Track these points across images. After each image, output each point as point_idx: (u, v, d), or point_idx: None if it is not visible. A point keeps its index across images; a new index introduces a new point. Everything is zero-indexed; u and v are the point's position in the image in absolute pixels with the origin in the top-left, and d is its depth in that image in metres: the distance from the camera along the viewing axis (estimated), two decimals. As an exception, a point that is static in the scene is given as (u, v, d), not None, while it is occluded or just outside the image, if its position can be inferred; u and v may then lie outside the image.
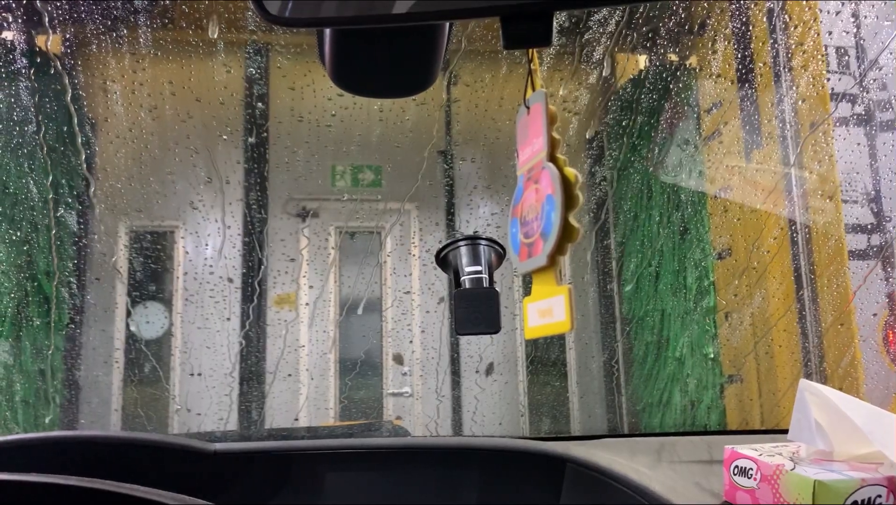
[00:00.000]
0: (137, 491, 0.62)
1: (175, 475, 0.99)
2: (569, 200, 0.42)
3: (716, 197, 3.25)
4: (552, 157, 0.44)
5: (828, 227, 2.62)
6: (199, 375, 3.41)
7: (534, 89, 0.47)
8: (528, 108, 0.47)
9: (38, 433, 0.99)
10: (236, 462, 1.01)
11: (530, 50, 0.46)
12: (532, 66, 0.47)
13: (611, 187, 3.70)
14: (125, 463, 0.98)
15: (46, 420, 3.17)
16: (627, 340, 3.67)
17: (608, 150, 3.72)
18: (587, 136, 3.75)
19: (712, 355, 3.27)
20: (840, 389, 0.70)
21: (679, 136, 3.36)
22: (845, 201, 2.57)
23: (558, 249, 0.42)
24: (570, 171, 0.42)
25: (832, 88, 2.62)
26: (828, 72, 2.63)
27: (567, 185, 0.42)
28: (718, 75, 3.17)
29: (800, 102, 2.77)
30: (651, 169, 3.48)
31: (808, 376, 2.61)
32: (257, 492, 1.01)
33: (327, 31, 0.56)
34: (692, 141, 3.32)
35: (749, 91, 2.98)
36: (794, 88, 2.79)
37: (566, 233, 0.42)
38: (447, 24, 0.56)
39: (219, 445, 1.02)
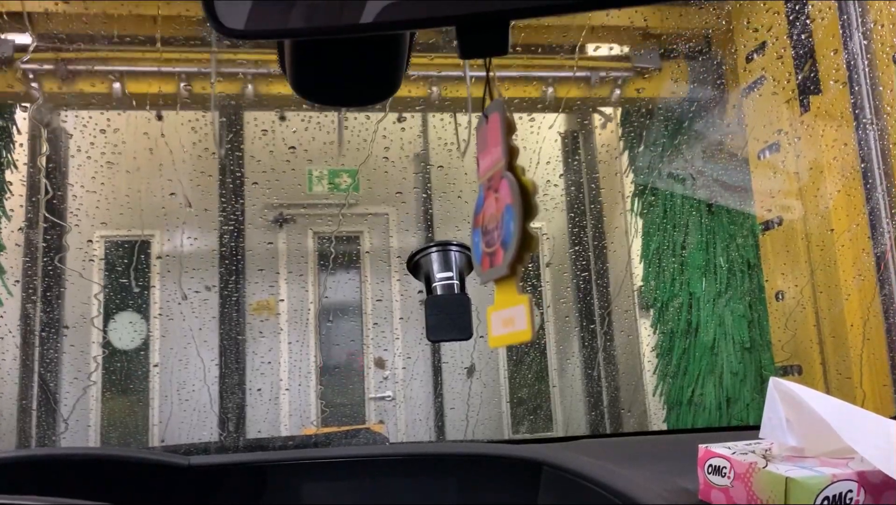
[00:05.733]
0: None
1: (151, 490, 0.98)
2: (527, 210, 0.42)
3: (760, 156, 2.83)
4: (511, 167, 0.44)
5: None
6: (173, 379, 3.38)
7: (492, 98, 0.47)
8: (486, 117, 0.47)
9: (12, 451, 0.98)
10: (213, 475, 1.00)
11: (487, 59, 0.46)
12: (490, 75, 0.47)
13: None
14: (101, 479, 0.97)
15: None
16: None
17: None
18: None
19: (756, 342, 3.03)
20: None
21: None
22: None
23: (518, 259, 0.42)
24: (528, 181, 0.43)
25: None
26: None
27: (525, 195, 0.42)
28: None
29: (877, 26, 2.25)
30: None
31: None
32: (234, 505, 1.00)
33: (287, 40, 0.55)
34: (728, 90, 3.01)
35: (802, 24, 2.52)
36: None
37: (525, 242, 0.42)
38: (409, 32, 0.56)
39: (195, 459, 1.01)
